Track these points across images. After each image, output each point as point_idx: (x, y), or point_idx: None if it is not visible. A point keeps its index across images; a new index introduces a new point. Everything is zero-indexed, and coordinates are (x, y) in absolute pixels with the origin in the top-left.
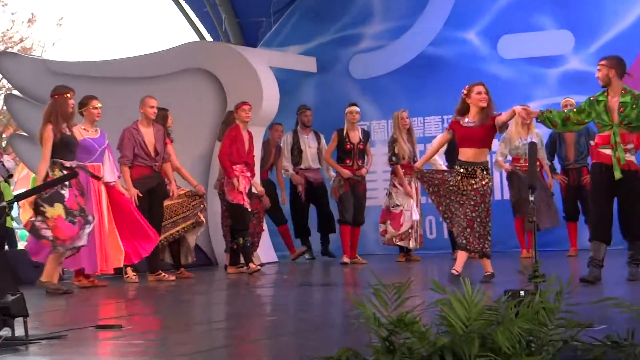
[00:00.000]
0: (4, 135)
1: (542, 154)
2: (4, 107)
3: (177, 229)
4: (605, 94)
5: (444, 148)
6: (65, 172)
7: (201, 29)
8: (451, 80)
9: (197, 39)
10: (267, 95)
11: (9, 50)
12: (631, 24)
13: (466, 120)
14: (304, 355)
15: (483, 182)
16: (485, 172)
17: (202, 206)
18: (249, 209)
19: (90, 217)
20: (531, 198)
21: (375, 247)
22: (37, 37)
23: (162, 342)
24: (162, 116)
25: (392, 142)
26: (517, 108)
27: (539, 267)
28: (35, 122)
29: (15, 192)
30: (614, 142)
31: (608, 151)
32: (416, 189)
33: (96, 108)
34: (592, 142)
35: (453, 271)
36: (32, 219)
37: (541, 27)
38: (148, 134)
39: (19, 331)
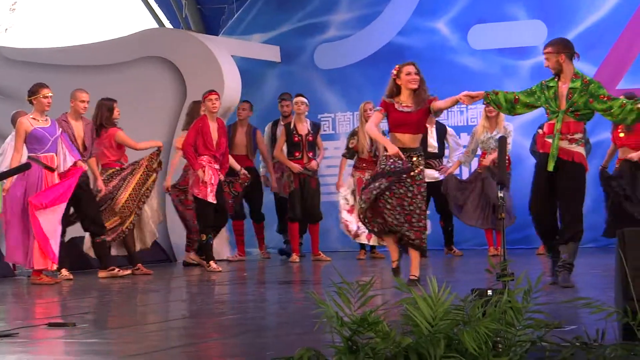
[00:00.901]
0: None
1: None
2: None
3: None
4: (556, 79)
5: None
6: None
7: (160, 16)
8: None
9: (156, 25)
10: (228, 86)
11: None
12: (605, 15)
13: (401, 104)
14: (264, 355)
15: (419, 169)
16: (420, 159)
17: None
18: (214, 202)
19: None
20: (500, 195)
21: (337, 244)
22: None
23: (117, 340)
24: (108, 107)
25: (351, 136)
26: (460, 95)
27: (508, 265)
28: None
29: None
30: (556, 129)
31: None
32: None
33: (46, 97)
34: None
35: (411, 277)
36: None
37: (513, 17)
38: (77, 128)
39: None
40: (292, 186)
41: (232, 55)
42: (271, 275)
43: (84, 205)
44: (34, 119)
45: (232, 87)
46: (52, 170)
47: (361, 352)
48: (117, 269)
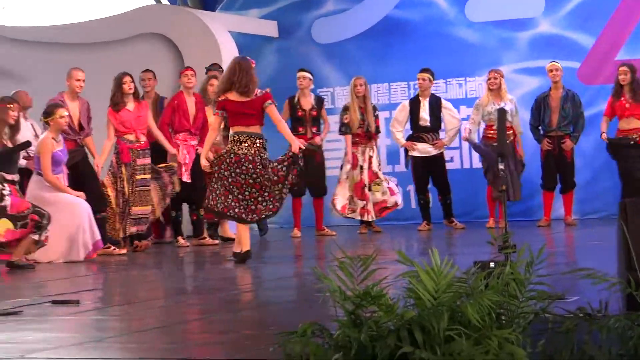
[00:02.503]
0: None
1: (517, 121)
2: None
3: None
4: None
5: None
6: (6, 185)
7: None
8: (418, 45)
9: (153, 2)
10: (226, 61)
11: None
12: None
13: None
14: (268, 330)
15: None
16: None
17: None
18: (189, 181)
19: (45, 211)
20: (501, 167)
21: (341, 219)
22: None
23: (120, 317)
24: (116, 82)
25: (344, 111)
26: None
27: (510, 237)
28: None
29: None
30: None
31: None
32: (370, 158)
33: (62, 117)
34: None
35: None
36: None
37: None
38: (73, 108)
39: None
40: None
41: (229, 31)
42: (274, 251)
43: (86, 183)
44: (54, 139)
45: (229, 62)
46: None
47: (364, 326)
48: (112, 247)
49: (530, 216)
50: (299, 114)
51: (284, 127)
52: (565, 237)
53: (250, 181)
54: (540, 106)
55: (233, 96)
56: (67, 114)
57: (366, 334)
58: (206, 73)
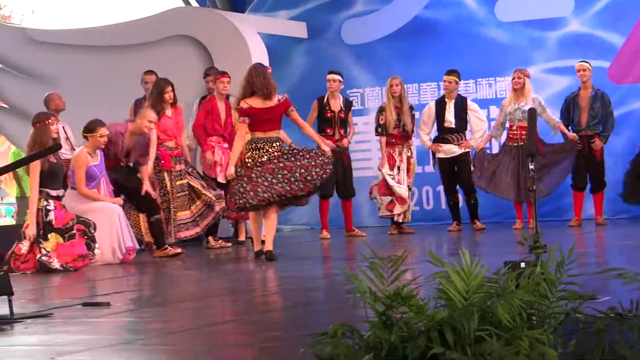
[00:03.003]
0: None
1: (546, 117)
2: None
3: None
4: None
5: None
6: (51, 200)
7: None
8: (447, 45)
9: (182, 4)
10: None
11: None
12: None
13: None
14: (299, 332)
15: None
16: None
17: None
18: (223, 182)
19: (90, 220)
20: (531, 167)
21: (369, 220)
22: (15, 5)
23: (151, 319)
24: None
25: (379, 112)
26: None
27: (540, 237)
28: (15, 92)
29: None
30: None
31: None
32: (408, 159)
33: (102, 136)
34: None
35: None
36: (38, 255)
37: None
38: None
39: (4, 310)
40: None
41: (258, 33)
42: (304, 252)
43: (136, 192)
44: (90, 155)
45: None
46: None
47: (395, 327)
48: (169, 248)
49: (560, 216)
50: (328, 115)
51: (310, 130)
52: (596, 237)
53: (281, 165)
54: (569, 106)
55: (255, 103)
56: (107, 133)
57: (397, 335)
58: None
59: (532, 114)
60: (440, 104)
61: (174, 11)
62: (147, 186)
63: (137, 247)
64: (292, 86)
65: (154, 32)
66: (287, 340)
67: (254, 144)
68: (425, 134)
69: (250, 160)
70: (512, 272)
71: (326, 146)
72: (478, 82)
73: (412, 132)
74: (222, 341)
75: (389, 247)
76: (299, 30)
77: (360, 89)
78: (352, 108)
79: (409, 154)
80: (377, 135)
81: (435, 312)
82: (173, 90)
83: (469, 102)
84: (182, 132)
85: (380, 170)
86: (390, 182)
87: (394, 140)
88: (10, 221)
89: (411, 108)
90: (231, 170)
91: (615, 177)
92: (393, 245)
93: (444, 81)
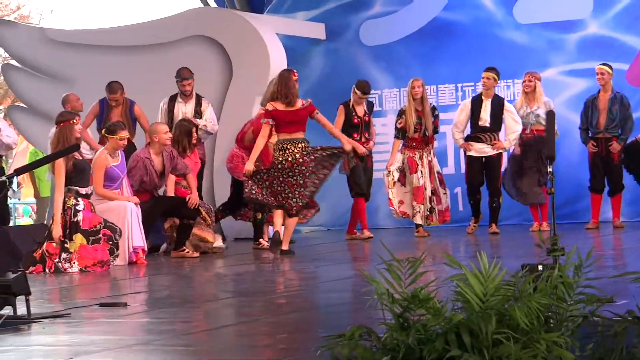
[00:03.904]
0: (1, 107)
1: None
2: (2, 78)
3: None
4: None
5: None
6: (80, 199)
7: None
8: (466, 47)
9: (200, 5)
10: (274, 64)
11: (6, 18)
12: None
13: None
14: (316, 333)
15: None
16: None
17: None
18: None
19: (117, 226)
20: (549, 169)
21: (386, 221)
22: (35, 5)
23: (168, 320)
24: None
25: (399, 115)
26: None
27: (558, 240)
28: (33, 92)
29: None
30: None
31: None
32: (429, 162)
33: (122, 139)
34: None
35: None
36: (56, 260)
37: None
38: (158, 163)
39: (21, 310)
40: (354, 162)
41: (277, 34)
42: (321, 253)
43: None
44: (110, 155)
45: (277, 65)
46: None
47: (412, 329)
48: (187, 250)
49: (578, 219)
50: (355, 121)
51: (336, 130)
52: (614, 240)
53: (284, 178)
54: (588, 108)
55: (280, 106)
56: (127, 136)
57: (414, 337)
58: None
59: (551, 117)
60: (477, 102)
61: (193, 12)
62: (195, 196)
63: (146, 247)
64: (310, 87)
65: (173, 32)
66: (304, 342)
67: (280, 145)
68: (458, 132)
69: (275, 161)
70: (530, 275)
71: (349, 145)
72: (498, 85)
73: (433, 136)
74: (240, 342)
75: (406, 248)
76: (318, 31)
77: (379, 90)
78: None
79: (429, 158)
80: (395, 138)
81: (452, 314)
82: (197, 131)
83: (505, 102)
84: (197, 171)
85: (387, 169)
86: (386, 179)
87: (414, 144)
88: (27, 221)
89: (433, 109)
90: (250, 167)
91: (633, 180)
92: (410, 247)
93: (483, 78)
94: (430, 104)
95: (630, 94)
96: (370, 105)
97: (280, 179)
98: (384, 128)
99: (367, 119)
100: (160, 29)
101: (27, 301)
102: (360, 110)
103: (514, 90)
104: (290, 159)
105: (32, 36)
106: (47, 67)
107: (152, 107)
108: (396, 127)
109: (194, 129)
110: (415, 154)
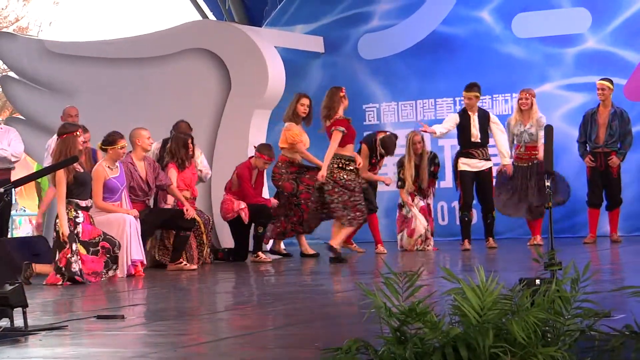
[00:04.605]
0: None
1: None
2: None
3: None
4: None
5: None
6: (80, 212)
7: (204, 8)
8: (464, 61)
9: (199, 17)
10: (272, 77)
11: (5, 30)
12: None
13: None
14: (313, 346)
15: None
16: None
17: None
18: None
19: (116, 240)
20: (547, 183)
21: (383, 235)
22: (33, 17)
23: (165, 332)
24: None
25: (400, 166)
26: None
27: (555, 254)
28: (31, 104)
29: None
30: None
31: None
32: (425, 206)
33: (123, 148)
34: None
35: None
36: (68, 255)
37: (557, 5)
38: (141, 168)
39: (18, 322)
40: (364, 184)
41: (275, 47)
42: (319, 267)
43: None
44: (109, 167)
45: (276, 78)
46: None
47: (409, 343)
48: (184, 263)
49: (575, 233)
50: (373, 161)
51: (329, 154)
52: (611, 254)
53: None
54: (587, 122)
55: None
56: (126, 144)
57: (411, 351)
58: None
59: (549, 131)
60: (464, 117)
61: (192, 24)
62: (187, 205)
63: (144, 260)
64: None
65: (172, 45)
66: (301, 355)
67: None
68: (441, 127)
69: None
70: (527, 289)
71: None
72: (494, 98)
73: (430, 185)
74: (236, 356)
75: (403, 262)
76: (316, 44)
77: (377, 104)
78: (368, 122)
79: (422, 203)
80: (397, 187)
81: (450, 328)
82: (193, 142)
83: (490, 114)
84: (195, 182)
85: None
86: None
87: (412, 191)
88: (26, 233)
89: (434, 157)
90: (324, 172)
91: (631, 195)
92: (407, 260)
93: (464, 98)
94: (431, 152)
95: (628, 108)
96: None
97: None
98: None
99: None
100: (159, 41)
101: (24, 313)
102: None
103: (512, 104)
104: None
105: (30, 48)
106: (46, 79)
107: (149, 118)
108: (399, 177)
109: (189, 140)
110: (412, 200)
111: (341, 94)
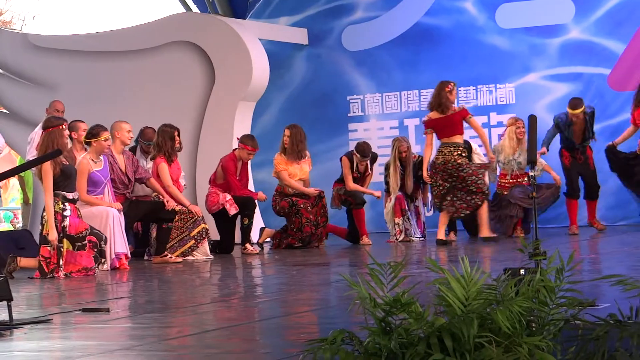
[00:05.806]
0: None
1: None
2: None
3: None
4: None
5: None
6: (68, 204)
7: (187, 0)
8: (448, 52)
9: (183, 10)
10: (256, 69)
11: None
12: None
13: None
14: (299, 337)
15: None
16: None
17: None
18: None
19: (102, 234)
20: (531, 173)
21: (370, 226)
22: (17, 10)
23: (150, 325)
24: (170, 136)
25: (386, 169)
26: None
27: (540, 244)
28: (16, 98)
29: None
30: None
31: None
32: (416, 208)
33: (107, 140)
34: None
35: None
36: (53, 267)
37: None
38: (121, 161)
39: (3, 316)
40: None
41: (259, 39)
42: (304, 258)
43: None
44: (93, 160)
45: (260, 70)
46: None
47: (394, 333)
48: (169, 256)
49: (560, 223)
50: (355, 175)
51: (485, 137)
52: (595, 244)
53: (454, 184)
54: (562, 130)
55: (434, 115)
56: (109, 137)
57: (396, 342)
58: None
59: (532, 121)
60: None
61: (176, 17)
62: (167, 198)
63: (129, 253)
64: (293, 92)
65: (156, 37)
66: (286, 347)
67: (441, 148)
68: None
69: (439, 167)
70: (512, 279)
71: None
72: (479, 89)
73: (418, 192)
74: (221, 348)
75: (388, 253)
76: (300, 36)
77: (361, 95)
78: (352, 114)
79: (416, 204)
80: (386, 192)
81: (434, 318)
82: (179, 135)
83: (472, 144)
84: (179, 176)
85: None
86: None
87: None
88: (8, 227)
89: (421, 162)
90: (425, 173)
91: (615, 185)
92: (393, 251)
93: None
94: (418, 156)
95: (611, 98)
96: (373, 158)
97: (454, 184)
98: (366, 133)
99: (367, 173)
100: (143, 34)
101: (9, 307)
102: (362, 166)
103: (496, 95)
104: (447, 158)
105: (14, 42)
106: (30, 73)
107: (134, 112)
108: (386, 181)
109: (176, 133)
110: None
111: (447, 88)
